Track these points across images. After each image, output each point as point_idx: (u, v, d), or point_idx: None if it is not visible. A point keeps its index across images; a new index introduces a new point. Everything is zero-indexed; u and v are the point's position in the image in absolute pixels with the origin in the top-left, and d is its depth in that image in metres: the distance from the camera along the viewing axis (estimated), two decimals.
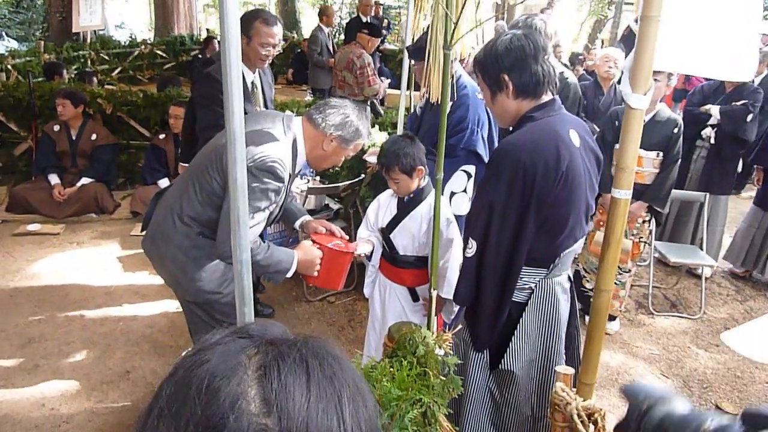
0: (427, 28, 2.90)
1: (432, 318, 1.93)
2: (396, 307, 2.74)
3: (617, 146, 3.70)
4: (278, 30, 2.95)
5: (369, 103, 5.76)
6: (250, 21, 2.88)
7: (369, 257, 2.77)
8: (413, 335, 1.68)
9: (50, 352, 3.31)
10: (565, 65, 7.22)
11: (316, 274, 2.33)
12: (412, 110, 3.63)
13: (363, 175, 3.81)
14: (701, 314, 4.18)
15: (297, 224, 2.66)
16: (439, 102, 1.81)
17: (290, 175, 2.20)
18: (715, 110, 4.57)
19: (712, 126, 4.64)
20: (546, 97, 1.85)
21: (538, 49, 1.77)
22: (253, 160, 1.99)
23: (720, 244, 4.84)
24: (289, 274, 2.22)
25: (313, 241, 2.39)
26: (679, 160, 3.68)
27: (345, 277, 2.53)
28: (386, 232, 2.65)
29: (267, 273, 2.22)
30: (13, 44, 12.09)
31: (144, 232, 2.47)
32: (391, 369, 1.54)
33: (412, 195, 2.55)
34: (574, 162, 1.78)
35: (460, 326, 1.95)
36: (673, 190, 3.84)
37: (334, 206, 4.11)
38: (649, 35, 1.46)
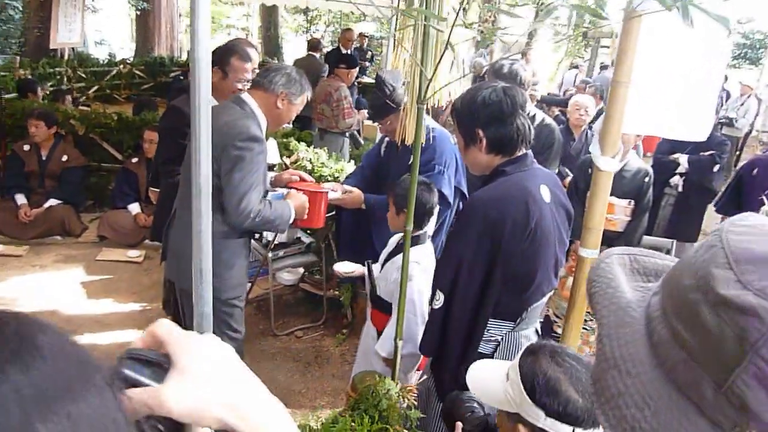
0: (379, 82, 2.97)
1: (396, 369, 1.90)
2: (366, 343, 2.72)
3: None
4: (254, 60, 2.98)
5: (348, 135, 5.78)
6: (227, 57, 2.87)
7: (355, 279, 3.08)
8: (376, 387, 1.66)
9: None
10: (540, 105, 7.37)
11: (306, 216, 2.67)
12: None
13: (334, 211, 3.79)
14: None
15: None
16: (406, 146, 1.82)
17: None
18: (683, 159, 4.69)
19: (681, 174, 4.76)
20: (519, 152, 1.87)
21: (516, 107, 1.78)
22: (238, 137, 2.27)
23: None
24: (291, 221, 2.55)
25: (294, 188, 2.73)
26: (649, 208, 3.75)
27: (325, 215, 2.89)
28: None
29: (275, 226, 2.53)
30: None
31: (163, 262, 2.84)
32: (353, 424, 1.51)
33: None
34: (543, 218, 1.79)
35: (425, 376, 1.94)
36: (647, 237, 3.90)
37: (306, 240, 4.08)
38: (618, 100, 1.49)
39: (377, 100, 3.00)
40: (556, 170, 3.65)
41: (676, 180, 4.79)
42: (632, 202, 3.73)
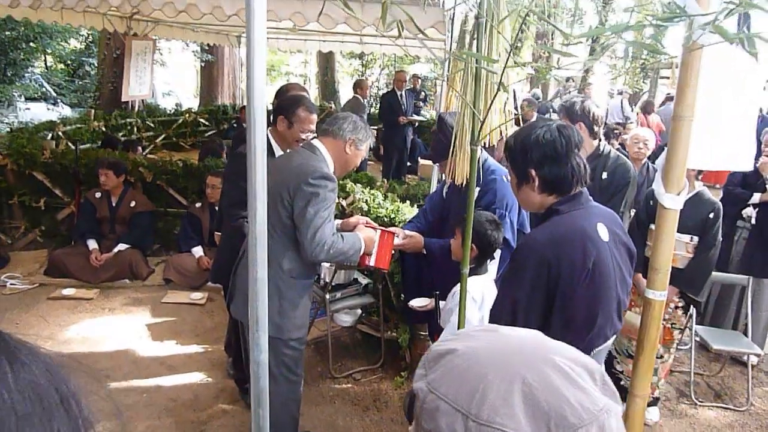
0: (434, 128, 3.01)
1: None
2: None
3: (652, 226, 3.63)
4: (315, 117, 3.12)
5: None
6: (293, 108, 3.00)
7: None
8: None
9: None
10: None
11: (374, 253, 2.82)
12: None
13: (393, 252, 3.79)
14: (748, 406, 3.93)
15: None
16: (465, 185, 1.80)
17: None
18: (756, 196, 4.45)
19: (754, 206, 4.51)
20: (574, 191, 1.82)
21: (571, 146, 1.74)
22: (311, 175, 2.40)
23: (766, 330, 4.61)
24: (362, 252, 2.64)
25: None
26: (716, 246, 3.54)
27: (390, 259, 2.97)
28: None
29: (348, 257, 2.60)
30: (67, 111, 12.75)
31: (230, 303, 2.85)
32: None
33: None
34: (601, 258, 1.72)
35: None
36: (715, 273, 3.69)
37: (363, 281, 4.08)
38: (681, 135, 1.44)
39: (439, 142, 3.00)
40: (631, 211, 3.50)
41: (749, 212, 4.54)
42: (695, 238, 3.54)
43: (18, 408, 0.41)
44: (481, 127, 1.47)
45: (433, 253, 3.10)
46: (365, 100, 8.42)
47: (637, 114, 11.08)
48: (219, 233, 4.40)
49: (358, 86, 8.60)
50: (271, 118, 3.07)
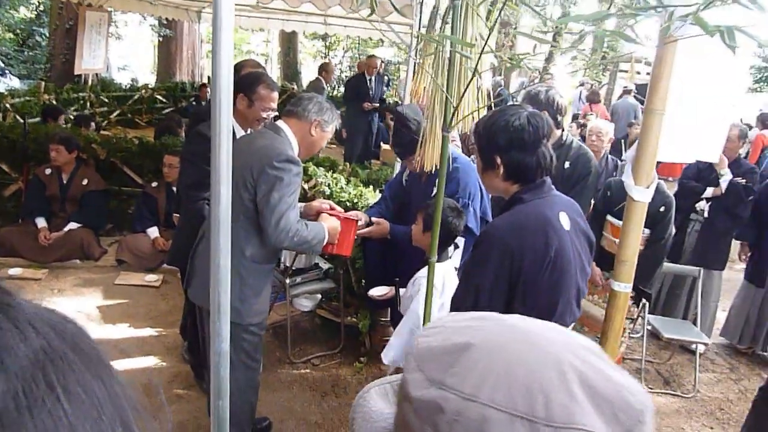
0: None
1: None
2: None
3: (609, 218, 3.70)
4: (277, 94, 3.01)
5: None
6: (254, 85, 2.88)
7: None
8: None
9: None
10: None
11: (336, 242, 2.74)
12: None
13: (359, 240, 3.75)
14: (695, 393, 4.07)
15: None
16: (430, 176, 1.78)
17: None
18: (723, 183, 4.48)
19: (707, 200, 4.64)
20: (537, 180, 1.81)
21: (539, 136, 1.73)
22: (276, 158, 2.33)
23: (713, 320, 4.77)
24: (325, 242, 2.58)
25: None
26: (666, 238, 3.62)
27: (353, 245, 2.94)
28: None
29: (311, 246, 2.55)
30: (15, 83, 12.17)
31: (188, 287, 2.74)
32: None
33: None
34: (563, 246, 1.72)
35: None
36: (667, 264, 3.78)
37: (324, 266, 4.03)
38: (653, 128, 1.44)
39: (403, 137, 2.96)
40: (591, 201, 3.53)
41: (702, 205, 4.67)
42: (647, 231, 3.61)
43: None
44: (454, 113, 1.44)
45: (398, 239, 3.08)
46: (327, 84, 8.31)
47: (584, 104, 11.30)
48: (177, 215, 4.28)
49: (324, 69, 8.49)
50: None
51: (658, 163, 1.65)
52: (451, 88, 1.44)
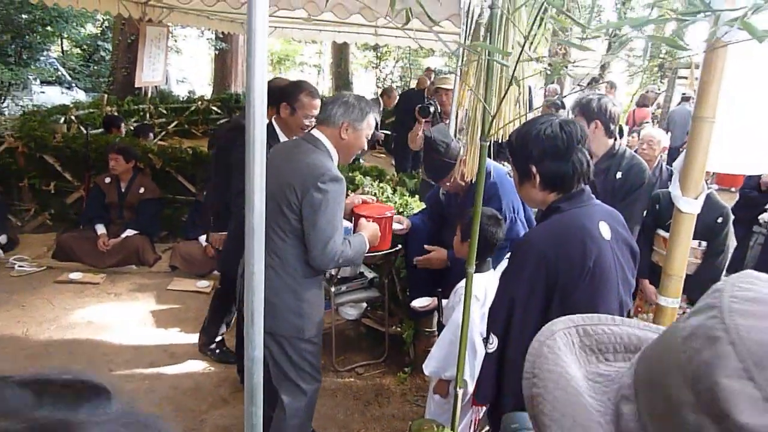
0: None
1: (456, 417, 1.80)
2: None
3: (659, 231, 3.56)
4: (319, 102, 3.03)
5: None
6: (296, 93, 2.95)
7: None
8: None
9: None
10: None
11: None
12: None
13: (399, 246, 3.75)
14: None
15: None
16: (469, 187, 1.76)
17: None
18: None
19: None
20: (575, 188, 1.77)
21: (573, 142, 1.68)
22: (319, 178, 2.26)
23: None
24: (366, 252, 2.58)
25: (360, 216, 2.81)
26: (725, 252, 3.46)
27: (390, 237, 3.00)
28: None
29: (354, 263, 2.62)
30: (81, 95, 12.76)
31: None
32: None
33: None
34: (603, 257, 1.67)
35: (486, 428, 1.82)
36: (726, 278, 3.60)
37: (369, 275, 4.04)
38: (702, 137, 1.38)
39: (433, 161, 2.95)
40: (644, 212, 3.40)
41: (766, 217, 4.45)
42: (703, 243, 3.45)
43: None
44: (491, 122, 1.42)
45: (457, 261, 3.04)
46: (384, 107, 8.27)
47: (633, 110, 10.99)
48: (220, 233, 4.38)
49: (386, 94, 8.47)
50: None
51: (713, 174, 1.56)
52: (490, 97, 1.42)
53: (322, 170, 2.30)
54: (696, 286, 3.45)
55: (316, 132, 2.49)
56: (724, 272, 3.74)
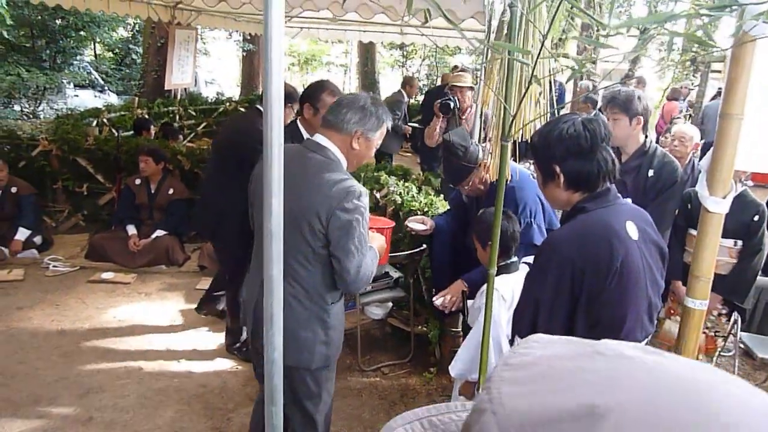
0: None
1: None
2: None
3: (691, 231, 3.48)
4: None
5: None
6: (318, 93, 2.95)
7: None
8: None
9: (105, 404, 3.35)
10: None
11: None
12: None
13: (424, 245, 3.74)
14: None
15: None
16: (490, 189, 1.75)
17: None
18: None
19: None
20: (601, 188, 1.73)
21: (597, 141, 1.65)
22: (345, 199, 2.04)
23: None
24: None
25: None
26: (762, 250, 3.37)
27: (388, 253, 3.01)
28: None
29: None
30: (113, 98, 13.05)
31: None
32: None
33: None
34: (630, 257, 1.63)
35: None
36: (763, 278, 3.51)
37: (394, 274, 4.03)
38: (730, 134, 1.34)
39: (452, 165, 2.92)
40: (677, 211, 3.33)
41: None
42: (739, 243, 3.35)
43: None
44: (512, 121, 1.41)
45: (477, 280, 2.96)
46: (409, 98, 8.26)
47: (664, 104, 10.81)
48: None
49: (408, 83, 8.45)
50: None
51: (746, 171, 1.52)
52: (510, 96, 1.41)
53: (345, 188, 2.07)
54: (731, 287, 3.37)
55: (321, 139, 2.20)
56: (760, 273, 3.64)
